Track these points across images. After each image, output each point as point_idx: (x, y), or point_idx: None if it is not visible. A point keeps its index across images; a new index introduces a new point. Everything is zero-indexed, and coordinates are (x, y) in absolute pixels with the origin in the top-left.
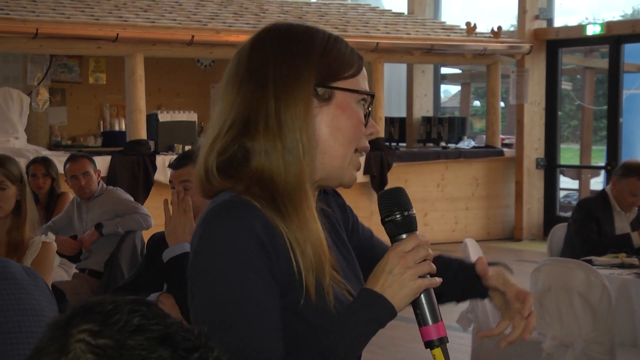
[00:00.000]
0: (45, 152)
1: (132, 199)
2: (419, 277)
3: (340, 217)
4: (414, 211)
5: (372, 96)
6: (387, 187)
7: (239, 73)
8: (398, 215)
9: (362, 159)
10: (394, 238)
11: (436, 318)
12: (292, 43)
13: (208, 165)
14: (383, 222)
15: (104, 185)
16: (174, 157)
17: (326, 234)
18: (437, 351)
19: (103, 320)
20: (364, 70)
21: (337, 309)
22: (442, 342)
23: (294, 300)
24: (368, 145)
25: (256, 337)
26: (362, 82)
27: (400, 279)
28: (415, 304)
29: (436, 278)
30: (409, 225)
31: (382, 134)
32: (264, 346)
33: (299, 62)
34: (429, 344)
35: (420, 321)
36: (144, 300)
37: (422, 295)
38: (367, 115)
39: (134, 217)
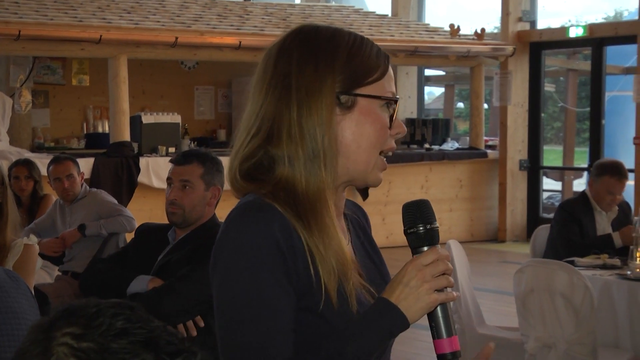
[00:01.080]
0: (28, 154)
1: (115, 201)
2: (436, 290)
3: (365, 224)
4: (437, 224)
5: (396, 101)
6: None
7: (265, 78)
8: (421, 228)
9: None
10: (416, 250)
11: (450, 332)
12: (317, 49)
13: (233, 168)
14: (406, 233)
15: (87, 187)
16: (158, 159)
17: (353, 235)
18: None
19: (86, 324)
20: (390, 71)
21: (359, 312)
22: (455, 356)
23: (315, 302)
24: (394, 145)
25: (264, 336)
26: (387, 84)
27: (416, 292)
28: (431, 316)
29: (453, 293)
30: (432, 238)
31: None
32: (271, 346)
33: (322, 70)
34: (442, 357)
35: (435, 334)
36: (128, 303)
37: (438, 309)
38: (392, 117)
39: (118, 219)
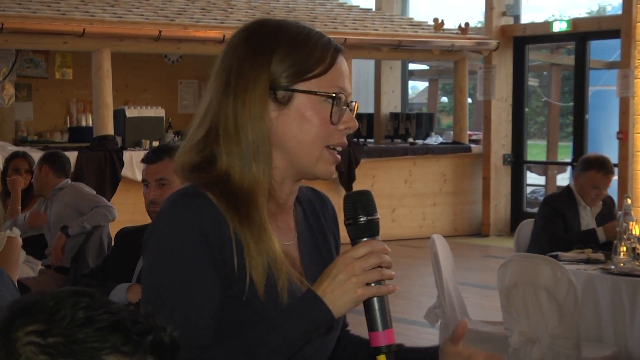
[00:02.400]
0: (10, 148)
1: (94, 192)
2: (367, 284)
3: (322, 212)
4: (378, 215)
5: (335, 96)
6: (355, 183)
7: (215, 72)
8: (362, 219)
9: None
10: (355, 241)
11: (386, 325)
12: (258, 44)
13: (183, 161)
14: (345, 225)
15: (69, 180)
16: (142, 152)
17: (303, 227)
18: (382, 358)
19: (48, 319)
20: (339, 65)
21: None
22: (390, 349)
23: (240, 291)
24: (344, 140)
25: (183, 321)
26: (334, 78)
27: (343, 285)
28: (366, 308)
29: (388, 286)
30: (371, 229)
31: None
32: (189, 331)
33: (258, 65)
34: (376, 350)
35: (370, 326)
36: (85, 290)
37: (375, 300)
38: (341, 111)
39: (98, 211)
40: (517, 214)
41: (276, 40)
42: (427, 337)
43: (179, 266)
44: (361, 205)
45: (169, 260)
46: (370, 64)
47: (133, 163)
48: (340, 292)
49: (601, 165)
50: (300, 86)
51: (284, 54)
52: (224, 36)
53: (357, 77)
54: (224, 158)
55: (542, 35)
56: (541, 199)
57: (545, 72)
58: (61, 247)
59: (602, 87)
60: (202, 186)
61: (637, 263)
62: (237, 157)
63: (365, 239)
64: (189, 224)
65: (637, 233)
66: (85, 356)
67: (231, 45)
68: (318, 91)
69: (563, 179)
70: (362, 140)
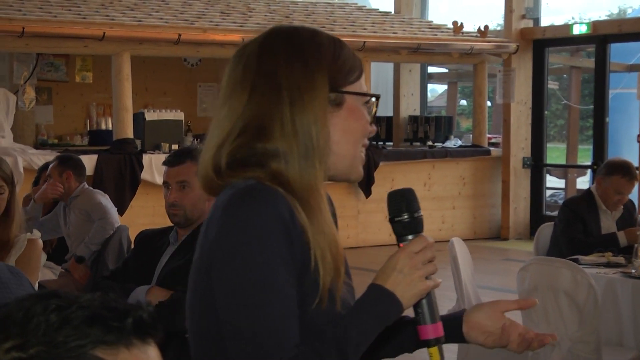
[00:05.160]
0: (31, 151)
1: (105, 202)
2: (425, 278)
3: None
4: (421, 213)
5: (378, 97)
6: (374, 187)
7: (247, 77)
8: (406, 216)
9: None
10: (401, 238)
11: (434, 318)
12: (303, 48)
13: (218, 163)
14: (391, 222)
15: (86, 185)
16: (161, 155)
17: None
18: (434, 350)
19: (22, 331)
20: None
21: (344, 302)
22: (439, 341)
23: (314, 289)
24: (367, 141)
25: (277, 321)
26: (364, 84)
27: (409, 278)
28: (417, 303)
29: (438, 280)
30: (416, 226)
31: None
32: (283, 331)
33: (311, 68)
34: (426, 343)
35: (420, 320)
36: (50, 292)
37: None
38: (374, 115)
39: (97, 227)
40: (537, 217)
41: (318, 44)
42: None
43: (269, 263)
44: (405, 203)
45: (257, 257)
46: (389, 67)
47: (152, 166)
48: (407, 285)
49: (626, 171)
50: (347, 89)
51: (331, 58)
52: (243, 39)
53: (376, 80)
54: (280, 159)
55: (562, 38)
56: (561, 202)
57: (565, 75)
58: (80, 274)
59: (622, 90)
60: (265, 180)
61: None
62: (297, 158)
63: (410, 236)
64: (273, 219)
65: None
66: (72, 356)
67: (266, 48)
68: (367, 92)
69: (583, 182)
70: (380, 143)
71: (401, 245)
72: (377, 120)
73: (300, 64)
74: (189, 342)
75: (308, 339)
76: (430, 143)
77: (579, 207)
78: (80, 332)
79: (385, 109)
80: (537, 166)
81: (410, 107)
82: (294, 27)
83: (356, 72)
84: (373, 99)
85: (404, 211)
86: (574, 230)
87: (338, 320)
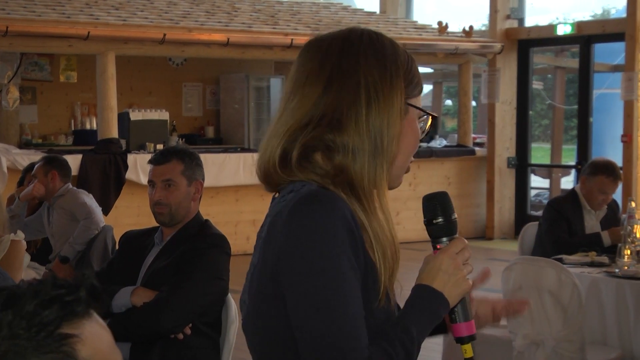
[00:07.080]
0: (15, 151)
1: (89, 202)
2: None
3: None
4: (456, 216)
5: (436, 118)
6: None
7: (325, 70)
8: (441, 219)
9: None
10: (436, 240)
11: (467, 316)
12: (385, 53)
13: (289, 153)
14: (427, 224)
15: (70, 186)
16: (146, 155)
17: None
18: (468, 347)
19: None
20: None
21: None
22: (472, 338)
23: (375, 290)
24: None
25: (350, 323)
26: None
27: (455, 278)
28: None
29: (471, 280)
30: (452, 229)
31: None
32: (356, 332)
33: (390, 74)
34: (460, 340)
35: (455, 318)
36: None
37: None
38: (424, 133)
39: (82, 227)
40: (522, 217)
41: (397, 53)
42: (433, 339)
43: (340, 267)
44: (440, 206)
45: (329, 262)
46: None
47: (137, 166)
48: (453, 285)
49: (611, 171)
50: (412, 102)
51: (406, 67)
52: (228, 39)
53: None
54: (348, 153)
55: (546, 38)
56: (545, 202)
57: (549, 75)
58: (65, 277)
59: (606, 90)
60: (324, 185)
61: None
62: (366, 156)
63: (445, 239)
64: (339, 224)
65: None
66: (40, 340)
67: (348, 45)
68: (428, 111)
69: (567, 182)
70: None
71: (438, 247)
72: None
73: (382, 68)
74: (250, 348)
75: (372, 338)
76: None
77: (564, 206)
78: (40, 318)
79: None
80: (521, 166)
81: None
82: (375, 32)
83: (420, 87)
84: (428, 117)
85: (439, 214)
86: (558, 230)
87: (395, 319)
